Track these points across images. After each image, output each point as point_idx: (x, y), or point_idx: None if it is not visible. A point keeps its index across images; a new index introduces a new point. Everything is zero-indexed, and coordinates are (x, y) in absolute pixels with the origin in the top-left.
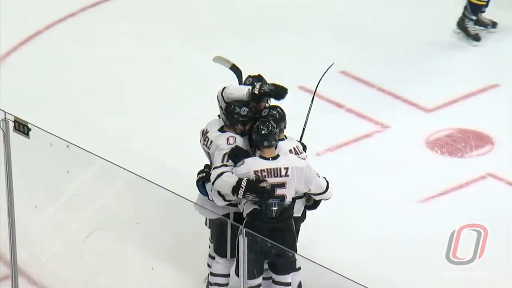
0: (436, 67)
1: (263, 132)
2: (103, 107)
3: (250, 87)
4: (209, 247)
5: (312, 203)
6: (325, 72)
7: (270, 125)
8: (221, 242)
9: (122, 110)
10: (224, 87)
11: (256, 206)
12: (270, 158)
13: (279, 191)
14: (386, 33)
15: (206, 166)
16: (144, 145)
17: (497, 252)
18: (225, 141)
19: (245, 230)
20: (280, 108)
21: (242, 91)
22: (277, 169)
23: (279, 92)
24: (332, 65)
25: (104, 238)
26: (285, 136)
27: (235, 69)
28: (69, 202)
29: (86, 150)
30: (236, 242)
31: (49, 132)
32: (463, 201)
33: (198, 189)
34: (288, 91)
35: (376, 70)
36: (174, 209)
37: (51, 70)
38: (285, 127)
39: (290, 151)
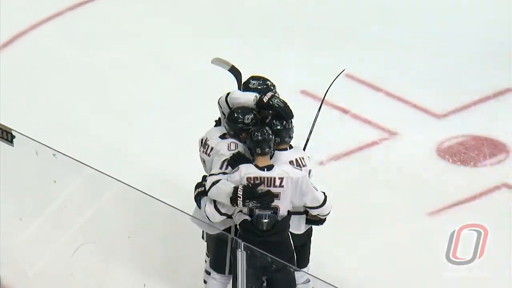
0: (446, 69)
1: (256, 138)
2: (97, 110)
3: (257, 94)
4: (205, 261)
5: (317, 220)
6: (334, 80)
7: (264, 131)
8: (218, 257)
9: (117, 113)
10: (229, 92)
11: (246, 217)
12: (265, 169)
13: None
14: (392, 34)
15: (204, 178)
16: (140, 151)
17: (497, 252)
18: (226, 147)
19: (244, 244)
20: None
21: (248, 97)
22: (271, 178)
23: (287, 112)
24: (342, 71)
25: (94, 253)
26: (289, 146)
27: (234, 71)
28: (56, 213)
29: (73, 158)
30: (232, 256)
31: (34, 140)
32: (477, 213)
33: (197, 204)
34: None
35: (383, 73)
36: (168, 222)
37: (39, 71)
38: (282, 141)
39: (291, 162)
